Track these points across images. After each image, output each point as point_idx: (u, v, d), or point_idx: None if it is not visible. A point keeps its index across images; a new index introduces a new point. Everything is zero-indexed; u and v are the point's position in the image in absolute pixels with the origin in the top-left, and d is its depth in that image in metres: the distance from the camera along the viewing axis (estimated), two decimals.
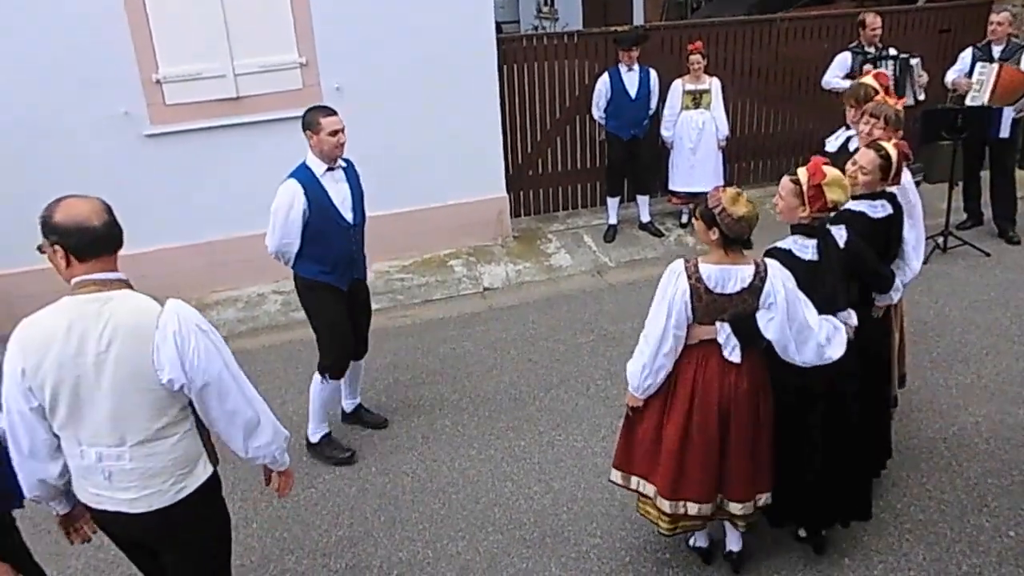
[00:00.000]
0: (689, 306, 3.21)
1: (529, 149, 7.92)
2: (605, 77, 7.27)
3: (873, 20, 7.30)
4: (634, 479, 3.55)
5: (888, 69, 7.16)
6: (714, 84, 7.38)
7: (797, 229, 3.42)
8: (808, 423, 3.50)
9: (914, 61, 7.20)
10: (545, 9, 19.44)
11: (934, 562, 3.69)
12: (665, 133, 7.48)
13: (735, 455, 3.35)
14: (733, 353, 3.24)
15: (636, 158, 7.42)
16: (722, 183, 7.58)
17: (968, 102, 6.90)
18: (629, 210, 7.92)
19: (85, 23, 6.01)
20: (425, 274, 7.09)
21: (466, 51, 6.99)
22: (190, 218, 6.61)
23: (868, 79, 4.48)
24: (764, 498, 3.47)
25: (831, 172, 3.31)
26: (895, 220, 3.76)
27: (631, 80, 7.22)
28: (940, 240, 6.94)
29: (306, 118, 4.23)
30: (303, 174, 4.25)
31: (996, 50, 6.95)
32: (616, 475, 3.62)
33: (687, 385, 3.31)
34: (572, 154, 8.10)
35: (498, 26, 7.60)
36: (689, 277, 3.20)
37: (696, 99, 7.34)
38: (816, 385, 3.43)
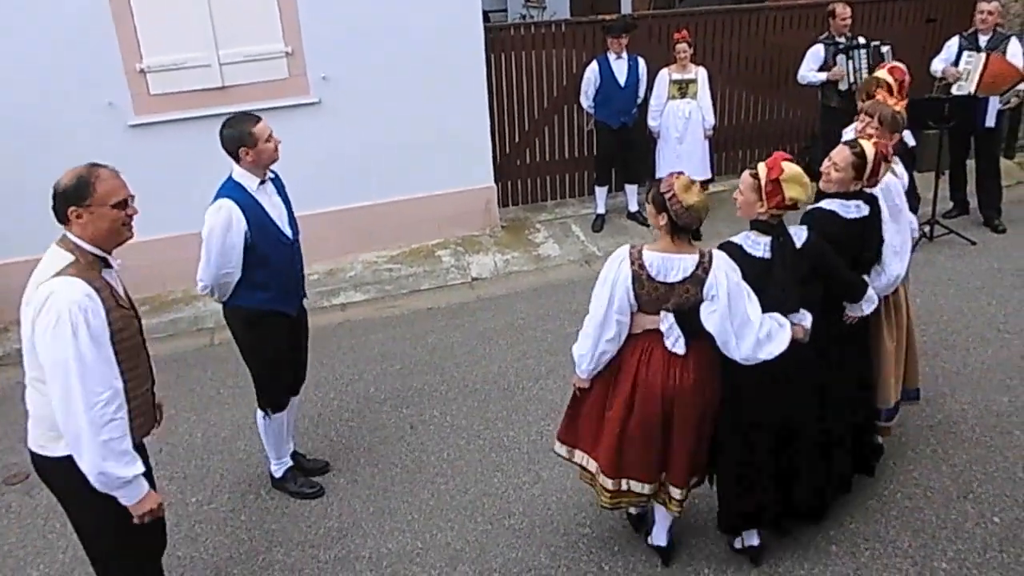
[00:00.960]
0: (631, 293, 3.20)
1: (517, 139, 7.90)
2: (594, 65, 7.25)
3: (843, 10, 7.32)
4: (578, 453, 3.61)
5: (861, 59, 7.19)
6: (700, 73, 7.37)
7: (754, 225, 3.34)
8: (758, 448, 3.47)
9: (884, 49, 7.23)
10: None
11: (920, 548, 3.72)
12: (652, 123, 7.46)
13: (678, 444, 3.34)
14: (676, 344, 3.22)
15: (626, 147, 7.41)
16: (710, 173, 7.60)
17: (955, 91, 6.92)
18: (617, 199, 7.92)
19: (67, 13, 5.94)
20: (413, 264, 7.07)
21: (453, 40, 6.95)
22: (176, 209, 6.51)
23: (882, 73, 4.31)
24: (695, 480, 3.56)
25: (790, 168, 3.21)
26: (871, 222, 3.58)
27: (620, 68, 7.21)
28: (927, 229, 6.97)
29: (233, 135, 3.73)
30: (235, 192, 3.76)
31: (983, 39, 6.96)
32: (561, 448, 3.68)
33: (630, 374, 3.30)
34: (560, 144, 8.08)
35: (485, 15, 7.56)
36: (632, 263, 3.19)
37: (683, 88, 7.33)
38: (769, 415, 3.42)
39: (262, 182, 3.84)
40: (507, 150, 7.85)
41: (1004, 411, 4.69)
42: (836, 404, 3.66)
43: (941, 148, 6.99)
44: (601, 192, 7.70)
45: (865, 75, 7.20)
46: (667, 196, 3.11)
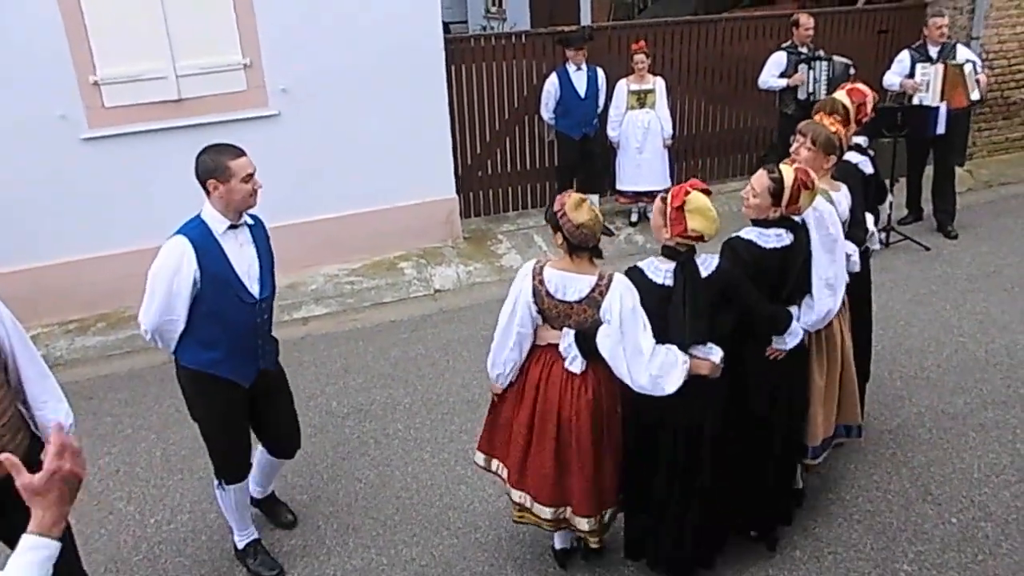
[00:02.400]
0: (534, 307, 3.23)
1: (478, 150, 7.90)
2: (553, 77, 7.30)
3: (807, 20, 7.47)
4: (494, 462, 3.62)
5: (822, 71, 7.34)
6: (658, 84, 7.46)
7: (663, 250, 3.23)
8: (658, 456, 3.38)
9: (848, 62, 7.38)
10: (493, 9, 19.42)
11: (881, 551, 3.77)
12: (612, 133, 7.53)
13: (578, 468, 3.29)
14: (574, 363, 3.21)
15: (587, 157, 7.45)
16: (669, 183, 7.66)
17: (916, 102, 7.08)
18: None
19: (17, 24, 5.82)
20: (375, 276, 7.02)
21: (414, 51, 6.94)
22: (132, 224, 6.42)
23: (840, 94, 3.98)
24: (609, 513, 3.48)
25: (696, 199, 3.07)
26: (793, 252, 3.38)
27: (580, 79, 7.26)
28: (882, 235, 7.11)
29: (206, 163, 3.27)
30: (197, 231, 3.30)
31: (933, 51, 7.14)
32: (480, 457, 3.69)
33: (533, 386, 3.32)
34: (521, 154, 8.10)
35: (446, 26, 7.57)
36: (534, 278, 3.22)
37: (641, 99, 7.40)
38: (671, 420, 3.29)
39: (233, 226, 3.36)
40: (468, 161, 7.85)
41: (959, 413, 4.79)
42: (756, 439, 3.52)
43: (895, 157, 7.15)
44: None
45: (824, 87, 7.36)
46: (558, 215, 3.13)
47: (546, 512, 3.40)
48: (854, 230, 3.85)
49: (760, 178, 3.32)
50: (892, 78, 7.35)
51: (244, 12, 6.40)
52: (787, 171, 3.29)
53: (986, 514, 3.97)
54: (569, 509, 3.39)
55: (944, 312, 6.00)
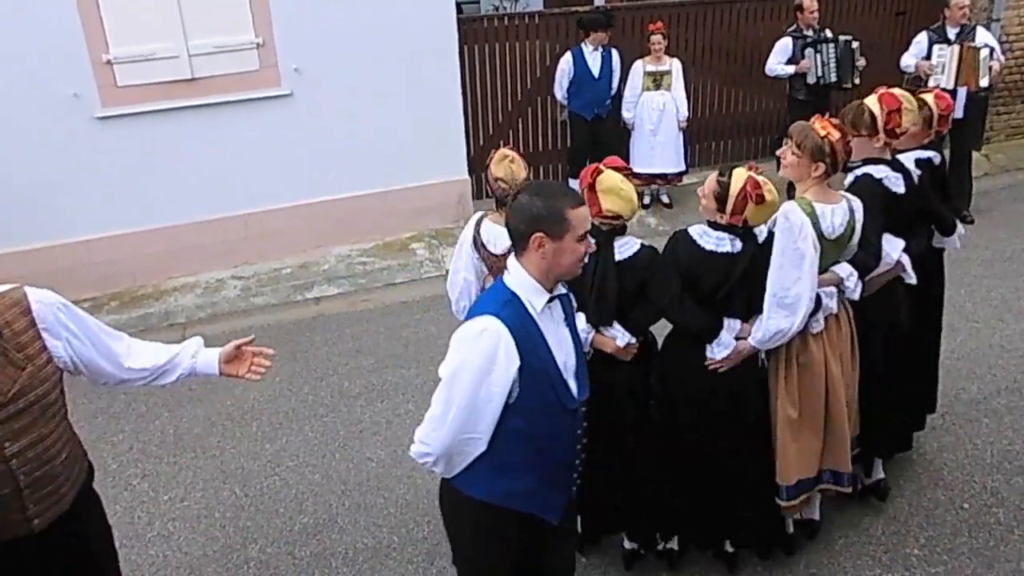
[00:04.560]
0: (475, 255, 3.41)
1: (491, 131, 7.87)
2: (568, 57, 7.24)
3: (810, 3, 7.37)
4: None
5: (829, 53, 7.26)
6: (675, 65, 7.39)
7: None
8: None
9: (855, 45, 7.30)
10: None
11: (892, 535, 3.77)
12: (626, 114, 7.47)
13: None
14: None
15: (600, 139, 7.40)
16: (684, 165, 7.63)
17: (931, 84, 6.99)
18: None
19: (30, 2, 5.81)
20: (387, 257, 7.02)
21: (426, 32, 6.90)
22: (145, 203, 6.46)
23: (871, 100, 3.60)
24: None
25: (605, 179, 3.04)
26: (740, 260, 3.14)
27: (594, 60, 7.21)
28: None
29: (535, 210, 2.29)
30: (509, 309, 2.32)
31: (951, 32, 7.04)
32: None
33: None
34: (534, 135, 8.06)
35: (458, 7, 7.51)
36: (475, 228, 3.41)
37: (657, 80, 7.34)
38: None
39: (551, 300, 2.43)
40: (481, 142, 7.81)
41: (973, 399, 4.76)
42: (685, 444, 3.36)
43: None
44: (575, 184, 7.67)
45: (833, 69, 7.29)
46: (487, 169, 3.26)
47: None
48: (861, 254, 3.39)
49: (711, 180, 3.18)
50: (909, 60, 7.26)
51: None
52: (737, 178, 3.08)
53: (998, 500, 3.96)
54: None
55: (958, 298, 5.95)
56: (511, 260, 2.39)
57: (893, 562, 3.64)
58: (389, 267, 6.88)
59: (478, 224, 3.43)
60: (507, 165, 3.28)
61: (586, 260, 2.67)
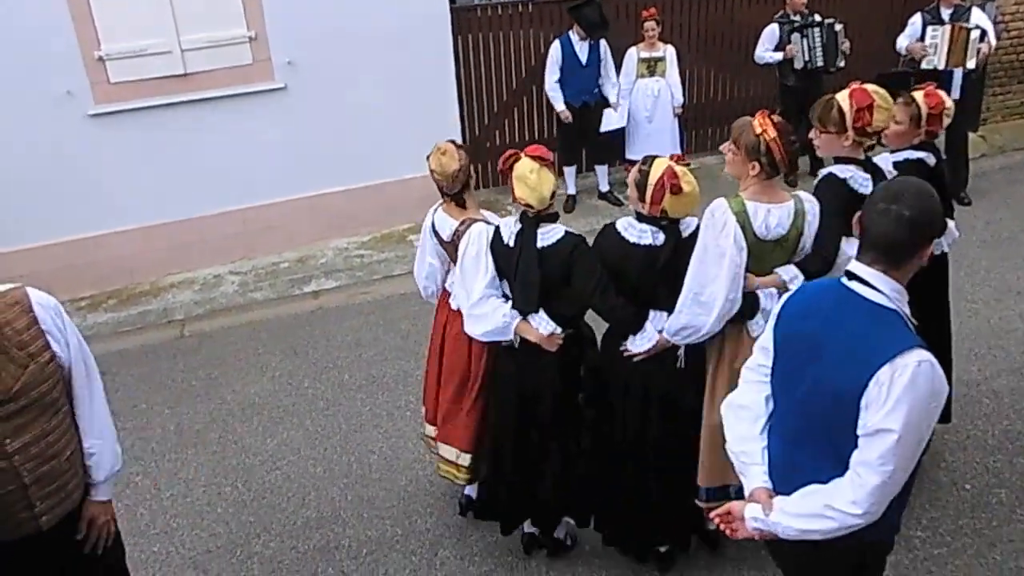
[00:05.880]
0: (437, 244, 3.55)
1: (486, 120, 7.84)
2: (557, 44, 7.19)
3: None
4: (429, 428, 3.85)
5: (815, 37, 7.24)
6: (669, 52, 7.36)
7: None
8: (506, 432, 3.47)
9: (839, 27, 7.28)
10: None
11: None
12: (622, 102, 7.44)
13: (443, 393, 3.64)
14: (451, 301, 3.51)
15: (589, 125, 7.36)
16: (679, 151, 7.59)
17: (924, 66, 6.96)
18: (589, 180, 7.90)
19: (20, 1, 5.77)
20: (384, 250, 7.00)
21: (420, 21, 6.86)
22: (141, 200, 6.43)
23: (842, 95, 3.36)
24: (464, 458, 3.64)
25: (519, 166, 3.14)
26: (659, 254, 3.10)
27: (582, 48, 7.16)
28: None
29: (928, 214, 2.04)
30: (912, 332, 2.08)
31: (945, 13, 7.01)
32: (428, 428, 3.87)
33: (440, 324, 3.69)
34: (530, 124, 8.02)
35: None
36: (432, 215, 3.58)
37: (651, 67, 7.31)
38: (515, 381, 3.37)
39: None
40: (477, 132, 7.79)
41: (973, 380, 4.76)
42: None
43: None
44: (570, 172, 7.67)
45: (820, 53, 7.27)
46: None
47: (429, 429, 3.77)
48: (810, 257, 3.20)
49: (633, 169, 3.17)
50: (903, 41, 7.23)
51: None
52: (657, 167, 3.05)
53: (1000, 481, 3.97)
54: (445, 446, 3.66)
55: (958, 279, 5.91)
56: (878, 275, 2.06)
57: (896, 544, 3.63)
58: (387, 259, 6.86)
59: (432, 212, 3.60)
60: (437, 157, 3.40)
61: (511, 245, 3.03)
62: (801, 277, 3.15)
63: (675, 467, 3.32)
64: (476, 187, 8.01)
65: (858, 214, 2.13)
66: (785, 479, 2.23)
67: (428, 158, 3.45)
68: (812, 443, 2.16)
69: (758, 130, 3.05)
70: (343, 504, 4.13)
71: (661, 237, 3.11)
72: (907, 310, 2.08)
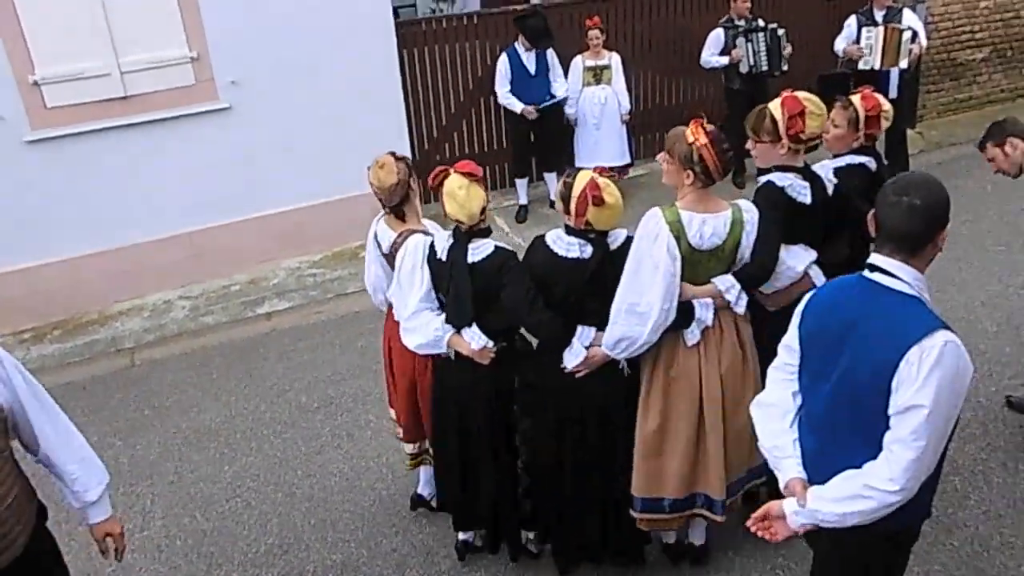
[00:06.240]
0: (380, 255, 3.62)
1: (435, 134, 7.81)
2: (504, 57, 7.23)
3: None
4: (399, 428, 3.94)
5: (760, 41, 7.39)
6: (614, 59, 7.43)
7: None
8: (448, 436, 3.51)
9: (781, 32, 7.44)
10: None
11: None
12: (568, 110, 7.49)
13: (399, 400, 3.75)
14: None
15: (541, 136, 7.40)
16: (630, 158, 7.68)
17: (861, 66, 7.15)
18: (539, 189, 7.93)
19: None
20: (337, 267, 6.93)
21: (365, 37, 6.82)
22: (83, 226, 6.26)
23: (774, 104, 3.35)
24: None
25: (448, 182, 3.17)
26: (585, 267, 3.09)
27: (529, 58, 7.21)
28: None
29: (937, 201, 2.15)
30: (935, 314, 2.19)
31: (878, 15, 7.21)
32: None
33: (386, 337, 3.74)
34: (479, 136, 8.03)
35: (394, 10, 7.44)
36: (373, 227, 3.68)
37: (597, 75, 7.37)
38: (455, 391, 3.41)
39: None
40: (425, 146, 7.76)
41: None
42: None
43: None
44: (522, 183, 7.69)
45: (764, 57, 7.41)
46: None
47: (410, 448, 3.85)
48: (748, 266, 3.20)
49: (560, 181, 3.17)
50: (840, 43, 7.42)
51: (188, 3, 6.22)
52: (580, 179, 3.05)
53: (954, 468, 4.06)
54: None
55: None
56: (899, 264, 2.15)
57: None
58: (340, 277, 6.79)
59: (377, 223, 3.64)
60: (376, 171, 3.47)
61: (444, 259, 3.11)
62: (738, 287, 3.17)
63: (612, 477, 3.31)
64: (425, 200, 8.05)
65: (871, 212, 2.21)
66: (819, 469, 2.29)
67: (367, 170, 3.47)
68: (845, 431, 2.23)
69: (690, 139, 3.04)
70: (306, 529, 4.06)
71: (589, 250, 3.10)
72: (927, 296, 2.18)
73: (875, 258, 2.20)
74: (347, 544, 3.94)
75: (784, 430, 2.41)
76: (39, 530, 2.45)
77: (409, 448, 3.88)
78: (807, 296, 2.43)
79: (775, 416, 2.44)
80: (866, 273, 2.22)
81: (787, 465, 2.36)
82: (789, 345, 2.42)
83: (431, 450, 3.72)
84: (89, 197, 6.23)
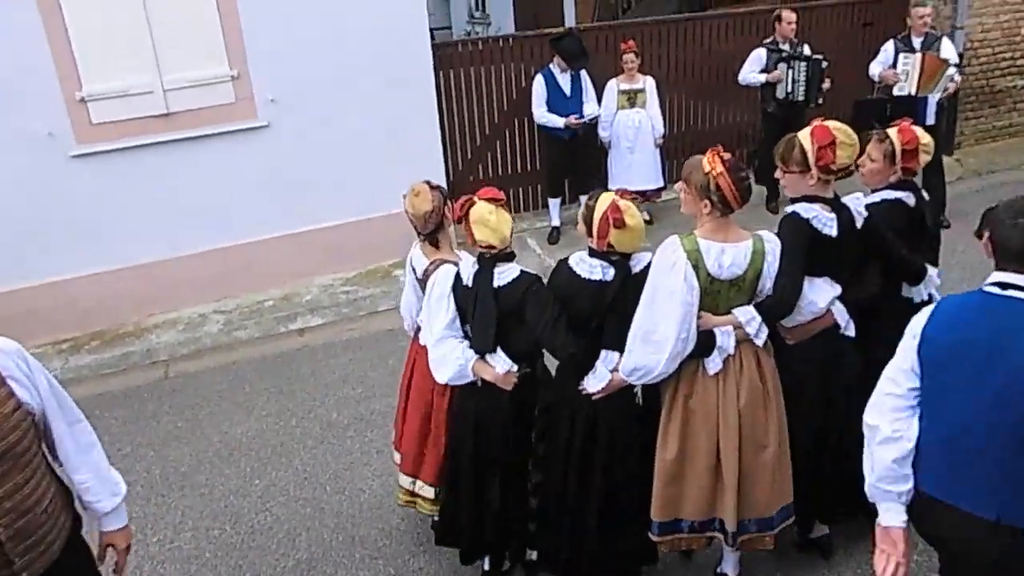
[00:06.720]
0: (415, 280, 3.65)
1: (469, 155, 7.88)
2: (540, 78, 7.28)
3: (788, 15, 7.48)
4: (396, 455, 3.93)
5: (800, 71, 7.36)
6: (648, 83, 7.45)
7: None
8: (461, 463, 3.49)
9: (825, 64, 7.40)
10: (477, 14, 19.41)
11: None
12: (603, 133, 7.51)
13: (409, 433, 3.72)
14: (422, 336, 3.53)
15: (576, 157, 7.43)
16: (663, 181, 7.67)
17: (896, 92, 7.10)
18: (571, 211, 7.93)
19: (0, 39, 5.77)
20: (370, 285, 6.99)
21: (402, 58, 6.91)
22: (123, 240, 6.39)
23: (804, 134, 3.29)
24: (426, 489, 3.72)
25: (476, 210, 3.19)
26: (609, 290, 3.11)
27: (564, 79, 7.26)
28: None
29: None
30: None
31: (916, 42, 7.16)
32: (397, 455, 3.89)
33: (410, 360, 3.75)
34: (512, 157, 8.08)
35: (431, 32, 7.54)
36: (410, 253, 3.69)
37: (631, 98, 7.40)
38: (473, 413, 3.40)
39: None
40: (460, 166, 7.82)
41: None
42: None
43: None
44: (555, 204, 7.71)
45: (803, 87, 7.38)
46: None
47: (405, 481, 3.75)
48: (768, 299, 3.16)
49: (583, 204, 3.20)
50: (875, 68, 7.36)
51: (230, 23, 6.36)
52: (602, 201, 3.07)
53: None
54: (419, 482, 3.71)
55: None
56: (1006, 276, 2.31)
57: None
58: (372, 295, 6.84)
59: (414, 248, 3.68)
60: (411, 198, 3.49)
61: (470, 285, 3.10)
62: (758, 319, 3.12)
63: (621, 502, 3.30)
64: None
65: (985, 236, 2.36)
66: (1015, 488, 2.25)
67: (403, 197, 3.50)
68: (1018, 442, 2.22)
69: (707, 168, 3.02)
70: (335, 544, 4.07)
71: (611, 272, 3.10)
72: None
73: (1004, 276, 2.29)
74: (375, 561, 3.93)
75: (905, 476, 2.41)
76: (74, 537, 2.47)
77: (405, 482, 3.75)
78: (920, 319, 2.40)
79: (894, 451, 2.40)
80: (992, 290, 2.30)
81: (894, 510, 2.44)
82: (908, 369, 2.39)
83: (441, 477, 3.63)
84: (129, 211, 6.36)
